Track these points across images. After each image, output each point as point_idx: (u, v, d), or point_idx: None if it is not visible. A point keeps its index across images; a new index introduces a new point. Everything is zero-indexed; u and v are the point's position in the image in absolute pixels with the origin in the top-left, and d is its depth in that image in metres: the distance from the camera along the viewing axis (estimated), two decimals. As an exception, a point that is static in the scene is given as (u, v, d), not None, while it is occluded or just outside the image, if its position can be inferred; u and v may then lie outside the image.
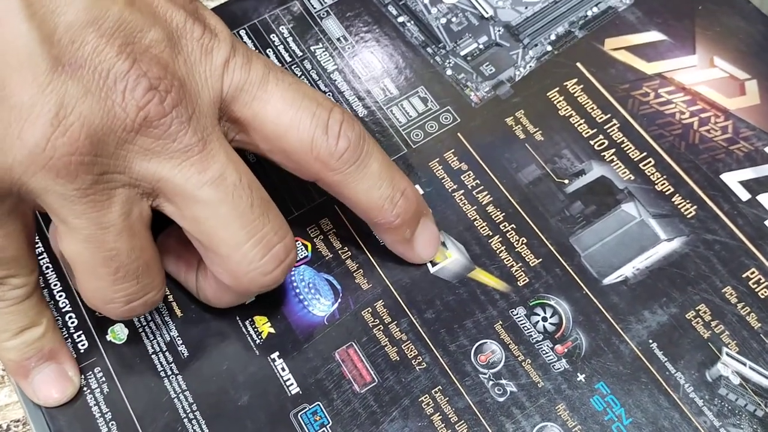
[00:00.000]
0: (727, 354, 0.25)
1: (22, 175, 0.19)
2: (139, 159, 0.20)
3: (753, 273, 0.26)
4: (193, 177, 0.21)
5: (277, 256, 0.22)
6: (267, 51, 0.32)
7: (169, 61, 0.21)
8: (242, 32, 0.32)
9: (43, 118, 0.19)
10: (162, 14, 0.21)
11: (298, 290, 0.27)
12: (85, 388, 0.25)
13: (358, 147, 0.23)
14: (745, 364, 0.24)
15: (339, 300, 0.26)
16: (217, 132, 0.22)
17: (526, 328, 0.26)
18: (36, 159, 0.19)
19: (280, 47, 0.32)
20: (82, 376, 0.25)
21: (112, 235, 0.21)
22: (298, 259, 0.27)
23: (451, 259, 0.27)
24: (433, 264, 0.27)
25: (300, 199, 0.28)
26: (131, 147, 0.20)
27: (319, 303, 0.26)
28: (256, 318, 0.26)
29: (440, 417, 0.24)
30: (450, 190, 0.28)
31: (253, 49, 0.27)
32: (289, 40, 0.32)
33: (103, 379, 0.26)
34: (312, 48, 0.32)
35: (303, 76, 0.31)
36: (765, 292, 0.25)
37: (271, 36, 0.32)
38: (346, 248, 0.27)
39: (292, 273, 0.27)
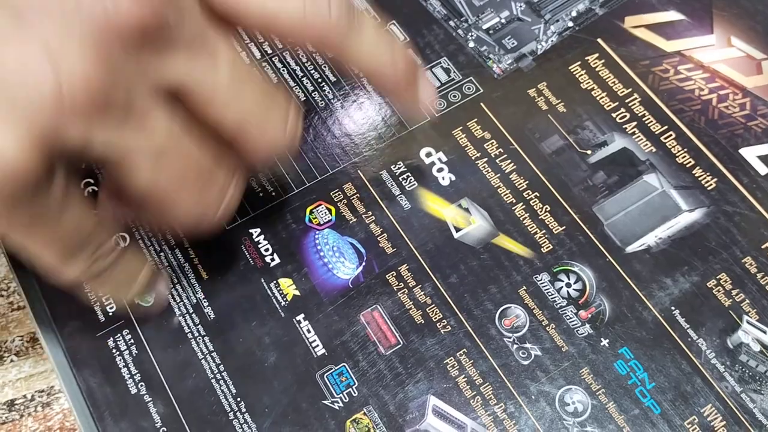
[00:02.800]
0: (748, 322, 0.25)
1: (56, 137, 0.18)
2: (151, 62, 0.19)
3: (772, 244, 0.26)
4: (208, 70, 0.20)
5: (294, 121, 0.22)
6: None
7: None
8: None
9: (41, 76, 0.18)
10: None
11: (322, 253, 0.27)
12: (114, 350, 0.25)
13: (350, 13, 0.22)
14: (765, 332, 0.25)
15: (363, 263, 0.26)
16: (207, 21, 0.20)
17: (550, 294, 0.26)
18: (59, 115, 0.18)
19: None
20: (111, 338, 0.25)
21: (175, 145, 0.20)
22: (323, 222, 0.27)
23: (475, 225, 0.27)
24: (457, 229, 0.27)
25: (323, 165, 0.28)
26: (138, 54, 0.19)
27: (343, 266, 0.26)
28: (281, 281, 0.26)
29: (465, 379, 0.24)
30: (473, 157, 0.28)
31: None
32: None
33: (132, 341, 0.25)
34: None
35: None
36: (784, 263, 0.26)
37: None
38: (370, 212, 0.27)
39: (317, 236, 0.27)
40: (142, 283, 0.24)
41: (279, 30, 0.22)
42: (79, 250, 0.21)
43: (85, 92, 0.18)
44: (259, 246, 0.27)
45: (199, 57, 0.20)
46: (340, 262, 0.26)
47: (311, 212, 0.28)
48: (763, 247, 0.26)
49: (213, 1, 0.21)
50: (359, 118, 0.29)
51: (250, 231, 0.27)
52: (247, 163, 0.22)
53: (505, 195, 0.28)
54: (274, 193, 0.28)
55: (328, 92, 0.30)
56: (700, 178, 0.28)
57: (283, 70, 0.31)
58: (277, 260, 0.26)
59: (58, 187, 0.19)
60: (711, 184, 0.27)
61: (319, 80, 0.30)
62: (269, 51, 0.31)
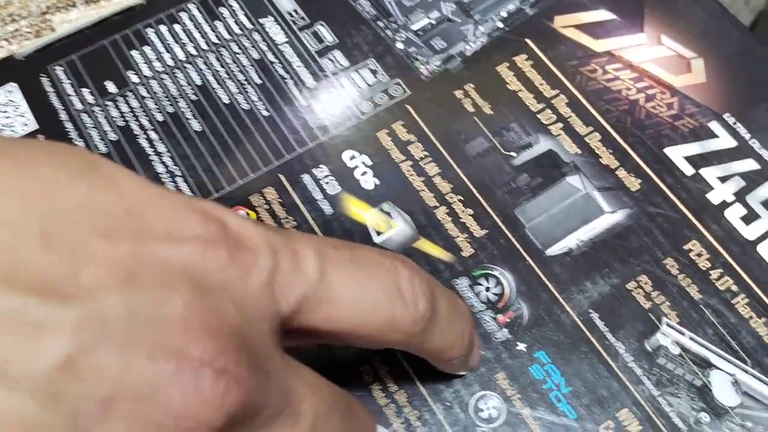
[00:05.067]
0: (667, 324, 0.25)
1: None
2: None
3: (694, 245, 0.26)
4: (289, 424, 0.17)
5: None
6: (216, 23, 0.31)
7: (214, 321, 0.15)
8: (191, 5, 0.32)
9: None
10: (174, 266, 0.15)
11: (240, 259, 0.26)
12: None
13: (431, 296, 0.20)
14: (684, 335, 0.25)
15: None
16: (288, 363, 0.18)
17: (468, 298, 0.25)
18: None
19: (230, 20, 0.31)
20: None
21: None
22: (243, 229, 0.27)
23: (396, 229, 0.27)
24: (378, 234, 0.27)
25: (243, 169, 0.28)
26: None
27: (261, 272, 0.26)
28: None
29: (380, 387, 0.24)
30: (398, 160, 0.28)
31: (290, 229, 0.23)
32: (239, 13, 0.32)
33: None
34: (262, 21, 0.31)
35: (253, 48, 0.31)
36: (705, 264, 0.26)
37: (221, 9, 0.32)
38: (291, 218, 0.27)
39: (235, 242, 0.27)
40: None
41: (361, 336, 0.19)
42: None
43: None
44: (176, 252, 0.27)
45: (281, 422, 0.17)
46: (258, 268, 0.26)
47: (230, 217, 0.27)
48: (684, 248, 0.26)
49: (295, 322, 0.18)
50: (283, 121, 0.29)
51: (167, 237, 0.27)
52: None
53: (428, 198, 0.27)
54: (192, 199, 0.28)
55: (253, 94, 0.30)
56: (624, 180, 0.27)
57: (207, 72, 0.30)
58: None
59: None
60: (635, 185, 0.27)
61: (244, 82, 0.30)
62: (193, 53, 0.31)
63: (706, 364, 0.24)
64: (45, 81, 0.30)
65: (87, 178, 0.15)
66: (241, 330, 0.16)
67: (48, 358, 0.14)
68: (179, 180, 0.28)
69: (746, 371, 0.24)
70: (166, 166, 0.28)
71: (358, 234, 0.27)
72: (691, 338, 0.25)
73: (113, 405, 0.14)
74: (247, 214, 0.27)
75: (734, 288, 0.25)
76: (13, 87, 0.30)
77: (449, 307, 0.21)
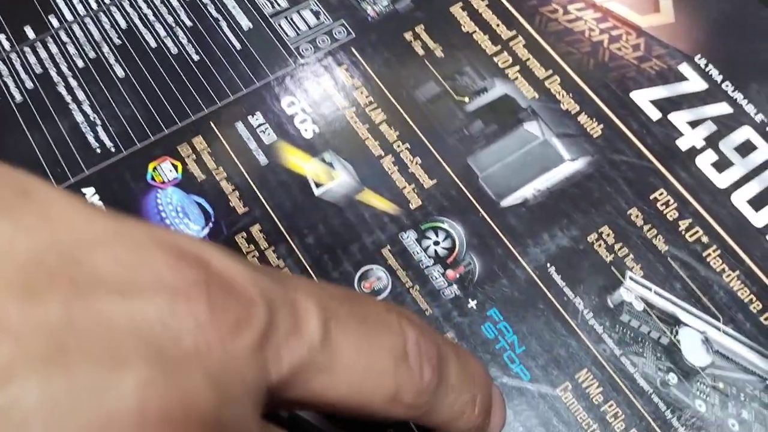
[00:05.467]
0: (631, 278, 0.23)
1: None
2: None
3: (661, 194, 0.24)
4: None
5: None
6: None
7: (181, 409, 0.12)
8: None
9: None
10: (128, 329, 0.12)
11: (164, 214, 0.24)
12: None
13: (438, 361, 0.18)
14: (650, 289, 0.23)
15: (210, 224, 0.24)
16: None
17: (415, 253, 0.23)
18: None
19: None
20: None
21: None
22: (167, 180, 0.24)
23: (338, 180, 0.24)
24: (318, 185, 0.24)
25: (170, 116, 0.26)
26: None
27: (187, 228, 0.24)
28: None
29: None
30: (340, 107, 0.26)
31: (282, 271, 0.20)
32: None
33: None
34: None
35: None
36: (673, 214, 0.24)
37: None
38: (222, 168, 0.25)
39: (159, 195, 0.24)
40: None
41: (361, 410, 0.16)
42: None
43: None
44: (93, 207, 0.24)
45: None
46: (184, 224, 0.24)
47: (154, 169, 0.25)
48: (650, 197, 0.24)
49: (285, 394, 0.15)
50: (215, 64, 0.27)
51: (83, 191, 0.24)
52: None
53: (373, 147, 0.25)
54: (112, 149, 0.25)
55: (182, 38, 0.27)
56: (585, 125, 0.25)
57: (133, 14, 0.28)
58: None
59: None
60: (597, 131, 0.25)
61: (173, 25, 0.27)
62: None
63: (673, 321, 0.22)
64: (-45, 25, 0.27)
65: (12, 213, 0.11)
66: (216, 417, 0.12)
67: None
68: (100, 130, 0.25)
69: (718, 329, 0.22)
70: (86, 115, 0.26)
71: (296, 186, 0.24)
72: (658, 293, 0.23)
73: None
74: (174, 166, 0.25)
75: (705, 239, 0.23)
76: None
77: (459, 371, 0.18)
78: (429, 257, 0.23)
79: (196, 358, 0.12)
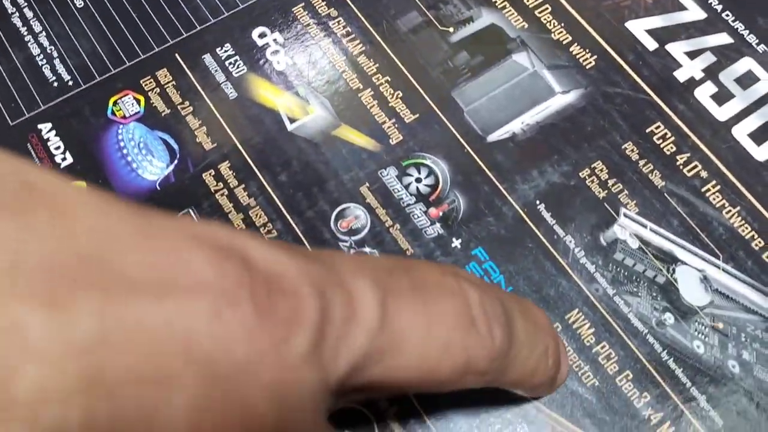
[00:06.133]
0: (626, 215, 0.21)
1: None
2: None
3: (658, 127, 0.22)
4: None
5: None
6: None
7: (234, 428, 0.10)
8: None
9: None
10: (167, 346, 0.10)
11: (125, 151, 0.22)
12: None
13: (506, 320, 0.16)
14: (645, 226, 0.21)
15: (176, 161, 0.22)
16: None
17: (396, 191, 0.22)
18: None
19: None
20: None
21: None
22: (129, 115, 0.23)
23: (312, 115, 0.23)
24: (292, 121, 0.23)
25: (132, 48, 0.24)
26: None
27: (150, 165, 0.22)
28: (74, 184, 0.22)
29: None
30: (315, 38, 0.24)
31: (327, 250, 0.18)
32: None
33: None
34: None
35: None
36: (671, 147, 0.22)
37: None
38: (188, 103, 0.23)
39: (120, 130, 0.23)
40: None
41: (432, 386, 0.15)
42: None
43: None
44: (49, 144, 0.22)
45: None
46: (147, 161, 0.22)
47: (115, 104, 0.23)
48: (647, 130, 0.22)
49: (352, 383, 0.13)
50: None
51: (39, 126, 0.23)
52: None
53: (350, 80, 0.23)
54: (71, 82, 0.23)
55: (146, -33, 0.25)
56: (578, 56, 0.24)
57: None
58: (70, 160, 0.22)
59: None
60: (590, 63, 0.23)
61: (137, -46, 0.26)
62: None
63: (670, 259, 0.21)
64: None
65: (16, 211, 0.09)
66: (279, 419, 0.11)
67: None
68: (57, 63, 0.24)
69: (718, 267, 0.21)
70: (43, 48, 0.24)
71: (268, 121, 0.23)
72: (654, 230, 0.21)
73: None
74: (137, 100, 0.23)
75: (704, 174, 0.22)
76: None
77: (527, 325, 0.17)
78: (410, 195, 0.22)
79: (249, 370, 0.11)
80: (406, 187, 0.22)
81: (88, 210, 0.10)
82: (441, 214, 0.21)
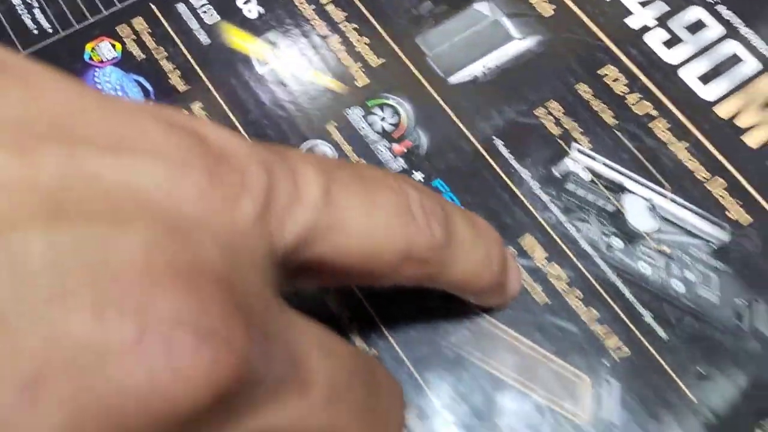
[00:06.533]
0: (578, 150, 0.22)
1: None
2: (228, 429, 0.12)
3: (610, 70, 0.24)
4: (298, 409, 0.13)
5: (399, 425, 0.16)
6: None
7: (189, 267, 0.11)
8: None
9: None
10: (128, 192, 0.11)
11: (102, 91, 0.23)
12: None
13: (444, 218, 0.17)
14: (596, 160, 0.22)
15: (150, 102, 0.23)
16: (293, 320, 0.14)
17: (361, 128, 0.23)
18: None
19: None
20: None
21: None
22: (106, 59, 0.24)
23: (282, 59, 0.24)
24: (262, 64, 0.24)
25: None
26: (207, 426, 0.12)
27: (127, 105, 0.23)
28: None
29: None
30: (286, -11, 0.25)
31: (281, 145, 0.18)
32: None
33: None
34: None
35: None
36: (623, 89, 0.23)
37: None
38: (162, 48, 0.24)
39: (96, 73, 0.24)
40: None
41: (376, 270, 0.16)
42: None
43: None
44: (29, 85, 0.23)
45: (288, 394, 0.13)
46: (124, 101, 0.23)
47: (92, 49, 0.24)
48: (599, 72, 0.24)
49: (297, 257, 0.14)
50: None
51: (19, 69, 0.24)
52: None
53: (319, 27, 0.24)
54: (49, 30, 0.24)
55: None
56: (536, 6, 0.25)
57: None
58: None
59: None
60: (548, 11, 0.25)
61: None
62: None
63: (619, 189, 0.22)
64: None
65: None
66: (228, 279, 0.12)
67: None
68: (37, 12, 0.25)
69: (665, 196, 0.22)
70: (23, -2, 0.25)
71: (240, 64, 0.24)
72: (605, 164, 0.22)
73: (44, 385, 0.09)
74: (113, 46, 0.24)
75: (653, 112, 0.23)
76: None
77: (467, 228, 0.17)
78: (375, 132, 0.23)
79: (201, 225, 0.11)
80: (371, 125, 0.23)
81: (57, 85, 0.11)
82: (404, 150, 0.22)
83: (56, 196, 0.10)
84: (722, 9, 0.25)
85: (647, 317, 0.20)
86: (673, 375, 0.19)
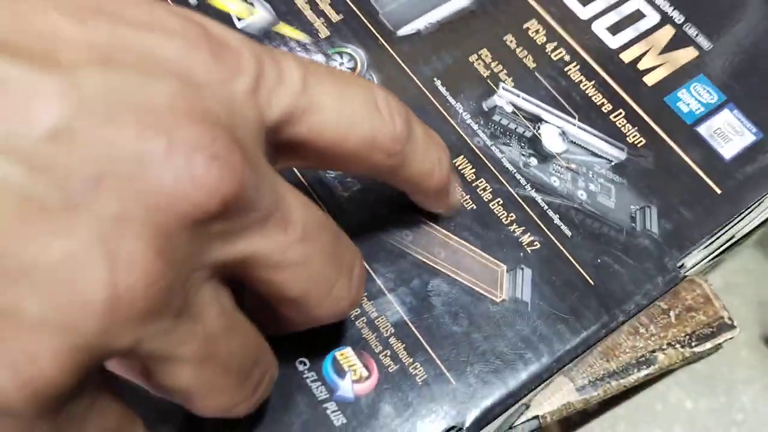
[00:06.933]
0: (504, 88, 0.27)
1: (99, 349, 0.14)
2: (216, 247, 0.16)
3: (532, 24, 0.28)
4: (279, 241, 0.17)
5: (359, 278, 0.20)
6: None
7: (202, 113, 0.15)
8: None
9: (92, 274, 0.14)
10: (156, 57, 0.15)
11: (105, 43, 0.27)
12: None
13: (406, 116, 0.20)
14: (518, 96, 0.27)
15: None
16: (277, 175, 0.17)
17: (323, 72, 0.27)
18: (109, 324, 0.14)
19: None
20: None
21: (221, 340, 0.17)
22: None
23: (257, 15, 0.28)
24: (239, 19, 0.28)
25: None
26: (205, 239, 0.15)
27: (126, 54, 0.27)
28: None
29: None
30: (260, -41, 0.30)
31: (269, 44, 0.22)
32: None
33: None
34: None
35: None
36: (542, 39, 0.28)
37: None
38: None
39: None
40: None
41: (345, 153, 0.19)
42: None
43: (144, 296, 0.14)
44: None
45: (271, 225, 0.16)
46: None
47: (96, 8, 0.28)
48: (524, 26, 0.28)
49: (281, 134, 0.18)
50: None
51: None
52: (307, 325, 0.20)
53: (288, -10, 0.29)
54: None
55: None
56: (472, -29, 0.29)
57: None
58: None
59: (88, 393, 0.15)
60: (482, -25, 0.29)
61: None
62: None
63: (536, 120, 0.26)
64: None
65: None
66: (230, 126, 0.15)
67: (36, 128, 0.13)
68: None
69: (574, 124, 0.26)
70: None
71: (221, 20, 0.28)
72: (525, 99, 0.27)
73: (103, 181, 0.14)
74: (114, 5, 0.28)
75: (567, 58, 0.27)
76: None
77: (424, 131, 0.21)
78: (334, 75, 0.27)
79: (208, 89, 0.15)
80: (332, 70, 0.27)
81: None
82: (358, 88, 0.27)
83: (107, 52, 0.14)
84: (631, -26, 0.29)
85: (556, 220, 0.24)
86: (576, 264, 0.24)
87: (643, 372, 0.32)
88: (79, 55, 0.14)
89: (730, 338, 0.33)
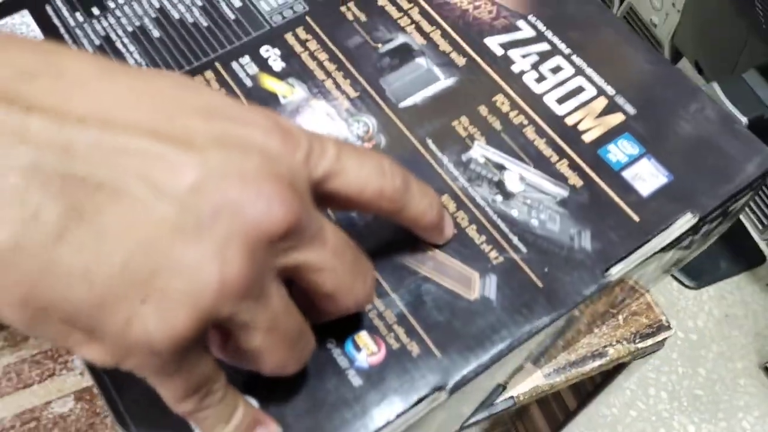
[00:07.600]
0: (478, 145, 0.36)
1: (210, 316, 0.23)
2: (282, 256, 0.24)
3: (500, 97, 0.38)
4: (319, 254, 0.26)
5: (371, 282, 0.29)
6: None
7: (276, 175, 0.24)
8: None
9: (210, 273, 0.22)
10: (248, 141, 0.24)
11: (187, 117, 0.37)
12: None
13: (404, 177, 0.29)
14: (488, 150, 0.36)
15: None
16: (319, 212, 0.26)
17: (346, 135, 0.37)
18: (218, 301, 0.22)
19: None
20: None
21: (281, 318, 0.25)
22: None
23: (296, 93, 0.38)
24: (284, 98, 0.38)
25: (178, 61, 0.39)
26: (275, 251, 0.24)
27: (201, 124, 0.37)
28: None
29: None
30: (299, 53, 0.39)
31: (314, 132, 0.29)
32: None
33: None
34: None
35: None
36: (507, 109, 0.37)
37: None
38: (224, 90, 0.38)
39: (184, 107, 0.38)
40: (235, 425, 0.28)
41: (363, 201, 0.28)
42: (195, 393, 0.25)
43: (238, 286, 0.23)
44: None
45: (316, 243, 0.25)
46: (200, 122, 0.37)
47: (180, 91, 0.38)
48: (493, 100, 0.38)
49: (322, 187, 0.26)
50: (218, 18, 0.40)
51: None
52: (336, 314, 0.29)
53: (318, 73, 0.39)
54: (153, 80, 0.39)
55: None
56: (454, 59, 0.39)
57: None
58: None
59: (199, 346, 0.24)
60: (462, 62, 0.39)
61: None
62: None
63: (502, 168, 0.35)
64: (48, 8, 0.41)
65: (184, 88, 0.24)
66: (293, 182, 0.24)
67: (183, 184, 0.22)
68: (144, 70, 0.39)
69: (529, 170, 0.35)
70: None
71: (271, 100, 0.38)
72: (494, 152, 0.36)
73: (219, 214, 0.22)
74: (192, 89, 0.38)
75: (525, 122, 0.37)
76: (25, 13, 0.41)
77: (419, 186, 0.30)
78: (354, 135, 0.36)
79: (279, 160, 0.24)
80: (351, 131, 0.37)
81: (212, 92, 0.26)
82: (371, 146, 0.36)
83: (220, 138, 0.24)
84: (575, 58, 0.39)
85: (515, 240, 0.33)
86: (529, 272, 0.33)
87: (597, 362, 0.40)
88: (205, 140, 0.23)
89: (668, 337, 0.41)
